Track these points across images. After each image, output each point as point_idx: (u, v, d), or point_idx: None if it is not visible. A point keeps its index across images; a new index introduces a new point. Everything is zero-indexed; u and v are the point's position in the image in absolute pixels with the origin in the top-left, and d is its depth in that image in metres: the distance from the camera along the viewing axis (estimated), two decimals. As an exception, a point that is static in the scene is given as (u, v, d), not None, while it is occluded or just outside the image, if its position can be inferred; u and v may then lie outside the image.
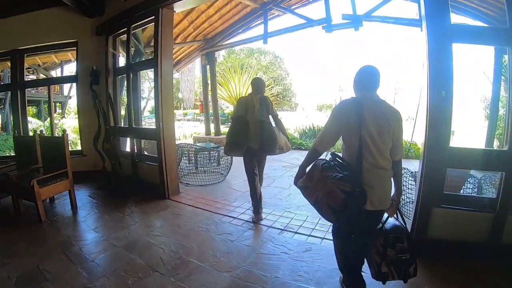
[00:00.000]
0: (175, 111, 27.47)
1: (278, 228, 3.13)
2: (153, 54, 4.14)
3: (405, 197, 3.38)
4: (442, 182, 2.47)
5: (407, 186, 3.37)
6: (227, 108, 22.71)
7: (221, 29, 8.23)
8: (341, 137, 1.87)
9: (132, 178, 4.63)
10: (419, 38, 6.98)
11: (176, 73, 30.99)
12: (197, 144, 6.72)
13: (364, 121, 1.72)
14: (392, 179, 1.87)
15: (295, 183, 2.00)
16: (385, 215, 1.91)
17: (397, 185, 1.94)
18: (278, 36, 7.10)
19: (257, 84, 3.37)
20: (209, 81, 9.52)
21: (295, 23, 6.70)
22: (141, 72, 4.83)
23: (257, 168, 3.40)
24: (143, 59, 5.46)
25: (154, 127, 4.17)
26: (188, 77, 26.00)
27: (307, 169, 1.94)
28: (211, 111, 9.89)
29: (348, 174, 1.70)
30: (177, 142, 5.27)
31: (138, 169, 4.63)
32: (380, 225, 1.87)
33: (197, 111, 24.54)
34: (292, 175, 2.26)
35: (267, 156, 3.54)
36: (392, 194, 1.90)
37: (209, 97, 9.72)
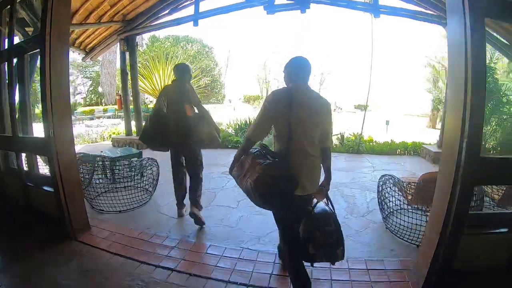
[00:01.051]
0: (94, 107, 24.22)
1: (241, 284, 2.23)
2: (40, 30, 2.77)
3: (386, 206, 3.18)
4: (469, 200, 1.96)
5: (389, 193, 3.13)
6: (151, 102, 20.58)
7: (144, 8, 6.88)
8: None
9: (26, 209, 3.22)
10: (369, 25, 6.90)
11: (96, 66, 27.13)
12: (117, 150, 5.34)
13: (294, 111, 1.79)
14: (321, 165, 2.00)
15: (230, 172, 2.06)
16: (315, 200, 2.00)
17: (326, 171, 2.05)
18: (211, 17, 6.26)
19: (181, 70, 3.20)
20: (129, 72, 7.97)
21: (232, 2, 5.89)
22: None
23: (186, 165, 3.26)
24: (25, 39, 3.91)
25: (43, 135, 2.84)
26: (109, 69, 23.16)
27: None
28: (132, 106, 8.34)
29: (278, 161, 1.77)
30: (91, 146, 3.99)
31: (32, 196, 3.23)
32: (310, 208, 1.94)
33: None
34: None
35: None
36: (322, 180, 2.05)
37: (130, 90, 8.15)
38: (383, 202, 3.22)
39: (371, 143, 7.86)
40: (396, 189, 3.22)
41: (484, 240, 2.10)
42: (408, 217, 2.82)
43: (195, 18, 6.35)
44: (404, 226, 2.86)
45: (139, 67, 14.12)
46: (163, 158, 3.78)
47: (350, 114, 25.33)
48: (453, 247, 1.95)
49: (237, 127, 9.63)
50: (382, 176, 3.36)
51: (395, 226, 2.97)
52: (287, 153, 1.80)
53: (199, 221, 3.11)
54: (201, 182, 3.30)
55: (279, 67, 67.79)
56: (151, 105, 18.54)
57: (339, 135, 8.28)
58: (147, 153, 5.10)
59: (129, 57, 7.81)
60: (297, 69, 1.93)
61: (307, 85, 1.93)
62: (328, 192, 2.04)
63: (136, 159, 4.77)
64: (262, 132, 1.93)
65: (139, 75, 11.47)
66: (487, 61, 7.01)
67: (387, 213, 3.22)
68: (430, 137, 13.67)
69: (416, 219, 2.76)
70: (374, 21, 6.73)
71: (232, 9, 6.00)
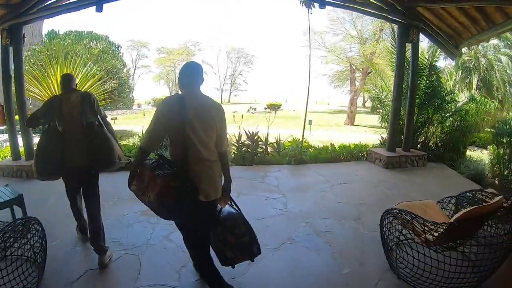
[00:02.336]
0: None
1: None
2: None
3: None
4: None
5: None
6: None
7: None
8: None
9: None
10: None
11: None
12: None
13: (187, 117, 1.77)
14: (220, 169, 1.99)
15: (129, 187, 1.98)
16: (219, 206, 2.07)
17: (225, 174, 2.04)
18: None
19: (68, 80, 2.69)
20: (12, 73, 5.58)
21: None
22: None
23: (85, 202, 2.65)
24: None
25: None
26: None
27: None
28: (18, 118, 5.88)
29: (177, 170, 1.75)
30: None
31: None
32: (217, 214, 2.03)
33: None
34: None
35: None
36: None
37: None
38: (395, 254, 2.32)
39: (310, 149, 7.12)
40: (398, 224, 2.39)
41: None
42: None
43: (99, 3, 4.69)
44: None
45: (32, 68, 11.09)
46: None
47: (266, 114, 25.11)
48: None
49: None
50: (385, 213, 2.47)
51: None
52: (185, 161, 1.79)
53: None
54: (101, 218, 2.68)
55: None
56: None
57: (274, 144, 7.03)
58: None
59: (13, 54, 5.47)
60: (187, 75, 1.90)
61: (199, 90, 1.92)
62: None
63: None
64: (156, 141, 1.93)
65: (31, 78, 9.64)
66: (432, 59, 7.16)
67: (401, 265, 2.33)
68: (357, 136, 14.23)
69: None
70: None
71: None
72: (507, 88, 13.45)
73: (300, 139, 7.09)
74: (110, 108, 22.59)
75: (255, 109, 34.16)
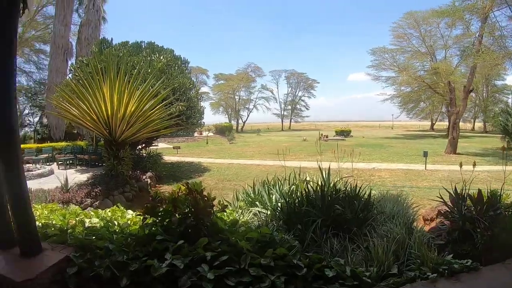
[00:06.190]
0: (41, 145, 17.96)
1: None
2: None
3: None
4: None
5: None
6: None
7: None
8: None
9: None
10: None
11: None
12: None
13: None
14: None
15: None
16: None
17: None
18: None
19: None
20: None
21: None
22: None
23: None
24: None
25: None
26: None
27: None
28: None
29: None
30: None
31: None
32: None
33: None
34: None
35: None
36: None
37: None
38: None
39: None
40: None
41: None
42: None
43: None
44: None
45: (74, 84, 8.59)
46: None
47: (339, 142, 20.85)
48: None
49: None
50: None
51: None
52: None
53: None
54: None
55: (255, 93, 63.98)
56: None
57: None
58: None
59: None
60: None
61: None
62: None
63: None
64: None
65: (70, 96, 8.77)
66: None
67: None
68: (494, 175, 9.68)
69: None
70: None
71: None
72: None
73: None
74: (170, 135, 20.14)
75: (327, 136, 29.90)
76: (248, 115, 60.54)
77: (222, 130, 38.65)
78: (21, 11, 2.57)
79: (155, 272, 2.00)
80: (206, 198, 2.59)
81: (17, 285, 2.28)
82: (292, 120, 64.38)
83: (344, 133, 34.47)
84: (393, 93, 37.91)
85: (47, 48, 30.07)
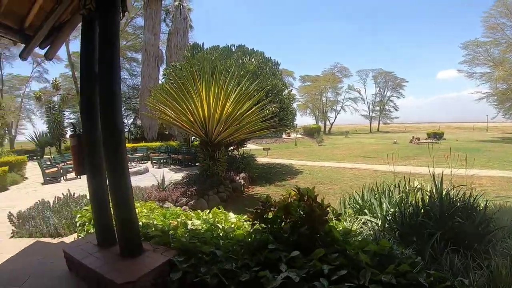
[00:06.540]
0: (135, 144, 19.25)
1: None
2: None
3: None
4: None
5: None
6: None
7: None
8: None
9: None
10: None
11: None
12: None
13: None
14: None
15: None
16: None
17: None
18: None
19: None
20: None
21: None
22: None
23: None
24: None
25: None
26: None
27: None
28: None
29: None
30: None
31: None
32: None
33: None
34: None
35: None
36: None
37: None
38: None
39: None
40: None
41: None
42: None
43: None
44: None
45: (169, 87, 8.78)
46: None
47: (433, 145, 17.96)
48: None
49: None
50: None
51: None
52: None
53: None
54: None
55: (343, 93, 61.03)
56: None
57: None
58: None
59: (99, 34, 2.66)
60: None
61: None
62: None
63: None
64: None
65: (167, 99, 8.86)
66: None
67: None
68: None
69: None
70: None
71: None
72: None
73: None
74: (259, 136, 20.30)
75: (418, 139, 27.29)
76: (335, 117, 59.42)
77: (310, 132, 38.86)
78: (121, 14, 2.66)
79: (268, 284, 1.87)
80: (321, 205, 2.45)
81: (117, 287, 2.16)
82: (381, 122, 60.66)
83: (436, 135, 31.20)
84: (488, 91, 32.60)
85: (139, 56, 33.78)
